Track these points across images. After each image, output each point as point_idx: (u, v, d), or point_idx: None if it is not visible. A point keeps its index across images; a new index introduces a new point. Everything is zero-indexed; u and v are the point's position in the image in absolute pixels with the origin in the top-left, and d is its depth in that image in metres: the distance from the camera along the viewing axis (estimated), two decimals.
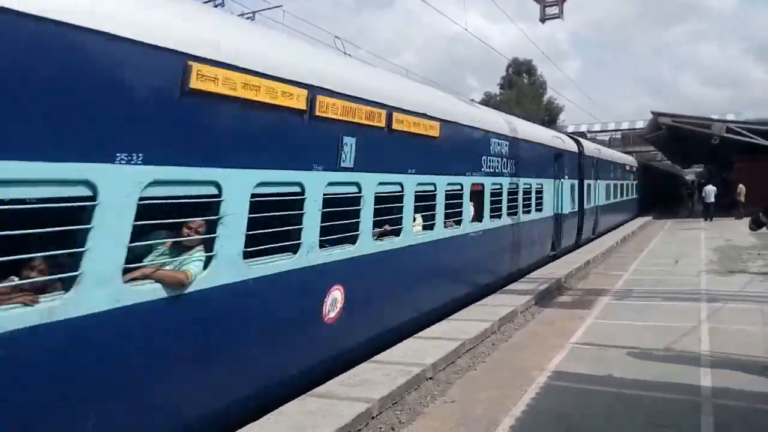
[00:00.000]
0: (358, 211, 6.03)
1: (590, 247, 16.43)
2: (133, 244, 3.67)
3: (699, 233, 20.25)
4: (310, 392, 5.04)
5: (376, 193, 6.28)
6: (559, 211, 14.29)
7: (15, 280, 3.35)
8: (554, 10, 12.50)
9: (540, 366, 6.13)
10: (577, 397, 5.33)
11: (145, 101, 3.71)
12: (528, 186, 11.68)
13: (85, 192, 3.38)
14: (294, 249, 5.09)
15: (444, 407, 5.13)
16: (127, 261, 3.66)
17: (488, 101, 45.22)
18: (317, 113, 5.22)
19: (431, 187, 7.64)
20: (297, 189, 5.12)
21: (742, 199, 24.73)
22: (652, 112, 25.31)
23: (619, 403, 5.09)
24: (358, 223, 6.03)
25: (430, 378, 5.76)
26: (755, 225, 6.56)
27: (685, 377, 5.63)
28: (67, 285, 3.37)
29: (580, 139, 18.18)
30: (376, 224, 6.37)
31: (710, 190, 26.43)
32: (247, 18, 12.29)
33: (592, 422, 4.71)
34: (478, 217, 9.29)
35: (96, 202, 3.40)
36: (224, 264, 4.31)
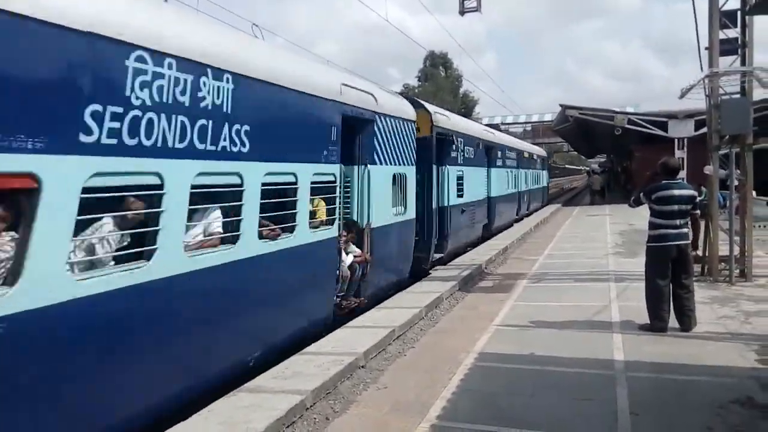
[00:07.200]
0: None
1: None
2: None
3: (604, 218, 21.61)
4: (242, 387, 4.91)
5: None
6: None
7: None
8: (473, 3, 12.83)
9: (466, 348, 6.32)
10: (502, 376, 5.55)
11: None
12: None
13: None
14: None
15: (377, 394, 5.17)
16: None
17: (407, 93, 45.69)
18: None
19: None
20: None
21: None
22: (561, 105, 26.62)
23: (542, 380, 5.35)
24: None
25: (363, 366, 5.79)
26: (634, 203, 7.19)
27: (601, 352, 6.00)
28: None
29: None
30: None
31: (596, 178, 36.40)
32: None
33: (518, 399, 4.91)
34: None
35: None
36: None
